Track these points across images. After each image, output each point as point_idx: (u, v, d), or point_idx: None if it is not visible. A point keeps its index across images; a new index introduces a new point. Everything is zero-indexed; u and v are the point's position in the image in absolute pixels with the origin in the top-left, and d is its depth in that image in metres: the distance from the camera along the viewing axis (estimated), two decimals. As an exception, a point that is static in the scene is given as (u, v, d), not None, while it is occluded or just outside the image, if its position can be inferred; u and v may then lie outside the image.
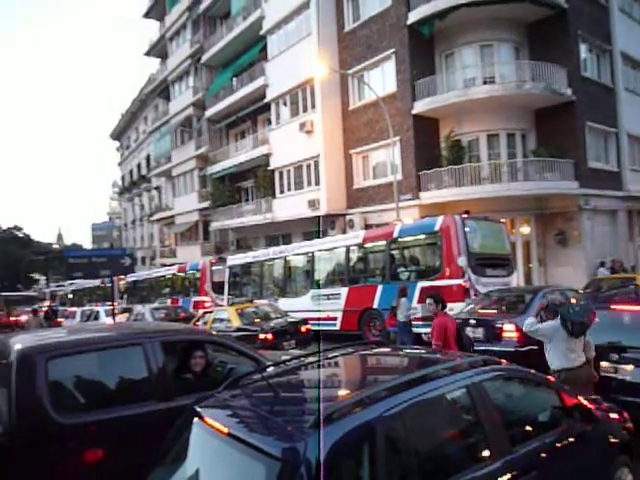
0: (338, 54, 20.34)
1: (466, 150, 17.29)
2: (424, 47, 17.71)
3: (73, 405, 3.57)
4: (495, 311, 8.43)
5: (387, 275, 12.81)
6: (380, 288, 12.76)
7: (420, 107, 17.20)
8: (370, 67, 19.19)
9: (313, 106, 20.51)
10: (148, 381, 3.83)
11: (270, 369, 3.40)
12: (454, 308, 9.32)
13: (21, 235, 79.77)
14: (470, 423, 2.86)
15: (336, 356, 3.46)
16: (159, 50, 35.94)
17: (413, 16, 17.19)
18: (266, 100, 23.06)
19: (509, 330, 7.37)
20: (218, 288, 19.52)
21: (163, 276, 25.82)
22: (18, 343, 3.67)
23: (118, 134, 52.35)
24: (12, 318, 29.16)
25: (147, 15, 36.82)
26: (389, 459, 2.31)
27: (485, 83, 16.78)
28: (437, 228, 11.60)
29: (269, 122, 24.04)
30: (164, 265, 32.54)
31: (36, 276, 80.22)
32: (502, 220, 13.15)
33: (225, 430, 2.33)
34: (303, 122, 20.63)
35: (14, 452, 3.19)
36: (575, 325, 4.82)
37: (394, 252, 13.11)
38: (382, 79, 18.65)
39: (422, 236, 12.47)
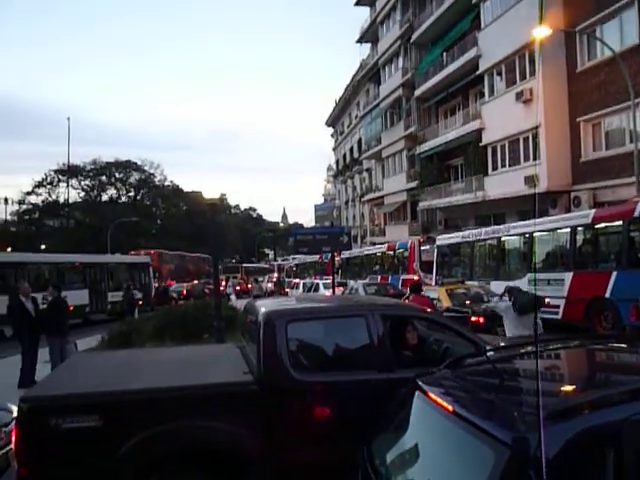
0: (562, 11, 18.01)
1: None
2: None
3: (305, 365, 4.01)
4: None
5: (624, 261, 11.07)
6: (614, 275, 11.11)
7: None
8: (603, 20, 16.53)
9: (532, 73, 18.69)
10: (369, 351, 4.08)
11: (491, 353, 3.29)
12: None
13: (255, 215, 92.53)
14: None
15: (564, 347, 3.16)
16: (370, 35, 37.03)
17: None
18: (478, 72, 21.87)
19: None
20: (426, 267, 19.57)
21: (374, 254, 27.01)
22: (263, 307, 4.30)
23: (333, 121, 56.05)
24: (249, 285, 34.07)
25: (358, 3, 38.16)
26: (635, 472, 2.03)
27: None
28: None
29: (481, 95, 22.78)
30: (374, 243, 33.99)
31: (266, 250, 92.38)
32: None
33: (450, 408, 2.35)
34: (520, 91, 18.98)
35: (263, 398, 3.76)
36: (519, 305, 6.87)
37: (634, 234, 11.23)
38: (619, 32, 15.94)
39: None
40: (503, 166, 20.78)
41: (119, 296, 22.15)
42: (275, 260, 71.47)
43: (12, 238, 47.96)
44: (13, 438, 3.61)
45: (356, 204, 47.04)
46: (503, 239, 15.39)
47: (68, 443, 3.38)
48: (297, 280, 30.51)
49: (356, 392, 3.95)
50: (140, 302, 23.98)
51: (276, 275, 46.75)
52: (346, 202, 51.66)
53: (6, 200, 48.24)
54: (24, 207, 55.47)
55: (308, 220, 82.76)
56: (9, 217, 53.79)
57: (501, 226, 16.40)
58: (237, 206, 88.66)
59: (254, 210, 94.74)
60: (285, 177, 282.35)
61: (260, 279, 41.02)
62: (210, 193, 9.93)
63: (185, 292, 29.13)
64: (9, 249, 31.29)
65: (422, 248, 20.80)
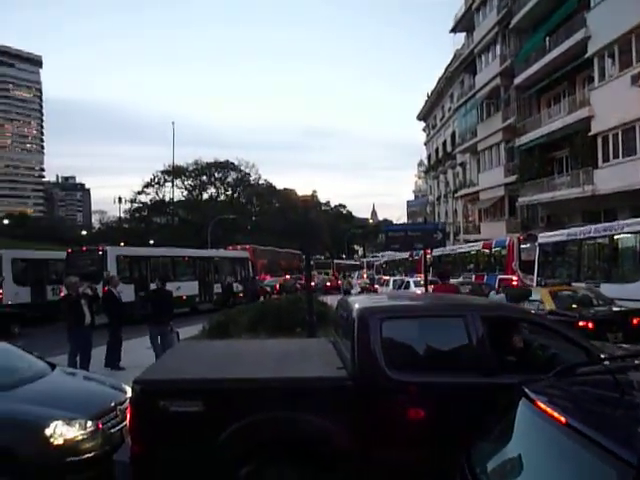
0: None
1: None
2: None
3: (400, 364, 3.93)
4: None
5: None
6: None
7: None
8: None
9: (653, 52, 16.85)
10: (467, 353, 3.91)
11: (606, 362, 3.01)
12: None
13: (345, 212, 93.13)
14: None
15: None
16: (465, 24, 35.60)
17: None
18: (587, 55, 20.13)
19: None
20: (526, 267, 18.43)
21: (467, 252, 26.00)
22: (357, 303, 4.29)
23: (424, 114, 54.70)
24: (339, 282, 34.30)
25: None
26: None
27: None
28: None
29: (590, 80, 20.97)
30: (467, 241, 32.71)
31: (355, 247, 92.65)
32: None
33: (562, 419, 2.17)
34: (637, 73, 17.21)
35: (356, 394, 3.75)
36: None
37: None
38: None
39: None
40: (616, 157, 18.96)
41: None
42: (364, 257, 71.47)
43: (125, 234, 52.59)
44: (127, 417, 3.94)
45: (449, 200, 45.57)
46: (616, 237, 14.04)
47: (174, 426, 3.62)
48: (387, 277, 30.24)
49: (453, 395, 3.82)
50: (241, 295, 25.32)
51: (364, 271, 46.76)
52: (438, 198, 50.24)
53: (120, 199, 52.93)
54: (135, 205, 60.55)
55: (398, 217, 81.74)
56: (123, 215, 59.03)
57: (614, 223, 14.98)
58: (327, 203, 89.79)
59: (344, 207, 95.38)
60: (375, 174, 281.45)
61: (350, 275, 41.27)
62: (302, 190, 10.12)
63: (278, 286, 30.05)
64: (122, 244, 34.22)
65: (522, 246, 19.59)
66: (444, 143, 46.61)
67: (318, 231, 61.88)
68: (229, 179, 64.13)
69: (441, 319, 4.19)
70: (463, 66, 36.54)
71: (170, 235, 50.86)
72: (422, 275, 23.36)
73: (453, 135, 42.06)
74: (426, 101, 52.05)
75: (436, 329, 4.16)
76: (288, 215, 58.44)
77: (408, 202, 59.08)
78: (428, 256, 30.23)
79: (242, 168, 63.67)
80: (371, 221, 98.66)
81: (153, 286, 12.26)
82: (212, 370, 4.05)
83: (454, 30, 37.86)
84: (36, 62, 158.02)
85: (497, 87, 29.72)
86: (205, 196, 63.77)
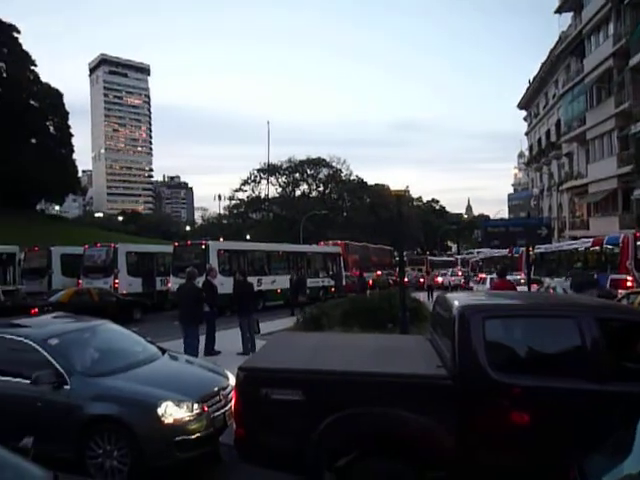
0: None
1: None
2: None
3: (503, 365, 3.74)
4: None
5: None
6: None
7: None
8: None
9: None
10: (579, 358, 3.64)
11: None
12: None
13: (437, 207, 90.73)
14: None
15: None
16: (572, 3, 32.93)
17: None
18: None
19: None
20: (644, 266, 16.71)
21: (574, 249, 24.12)
22: (457, 300, 4.14)
23: (526, 103, 51.51)
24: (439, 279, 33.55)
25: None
26: None
27: None
28: None
29: None
30: (574, 238, 30.39)
31: (449, 243, 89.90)
32: None
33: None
34: None
35: (456, 394, 3.64)
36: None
37: None
38: None
39: None
40: None
41: (316, 282, 24.77)
42: (459, 253, 69.11)
43: (224, 229, 55.51)
44: (232, 402, 4.15)
45: (552, 194, 42.57)
46: None
47: (275, 413, 3.75)
48: (483, 275, 28.96)
49: (561, 401, 3.58)
50: (332, 289, 25.78)
51: (458, 268, 45.18)
52: (541, 191, 47.11)
53: (219, 197, 55.87)
54: (233, 202, 63.63)
55: (495, 212, 78.00)
56: (222, 211, 62.33)
57: None
58: (419, 198, 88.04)
59: (437, 202, 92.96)
60: (470, 167, 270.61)
61: (444, 272, 40.15)
62: (394, 185, 10.01)
63: (371, 282, 30.01)
64: (221, 239, 36.12)
65: (638, 244, 17.76)
66: (548, 132, 43.58)
67: (410, 227, 60.94)
68: (321, 175, 65.10)
69: (550, 320, 3.92)
70: (569, 49, 33.84)
71: (265, 230, 52.82)
72: (522, 274, 22.10)
73: (558, 123, 39.21)
74: (528, 88, 48.95)
75: (544, 330, 3.90)
76: (379, 211, 58.11)
77: (509, 196, 56.10)
78: (530, 253, 28.62)
79: (334, 164, 64.38)
80: (466, 216, 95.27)
81: (253, 279, 13.04)
82: (312, 361, 4.13)
83: (559, 10, 35.19)
84: (145, 71, 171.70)
85: (609, 69, 27.18)
86: (298, 193, 65.31)
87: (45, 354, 5.03)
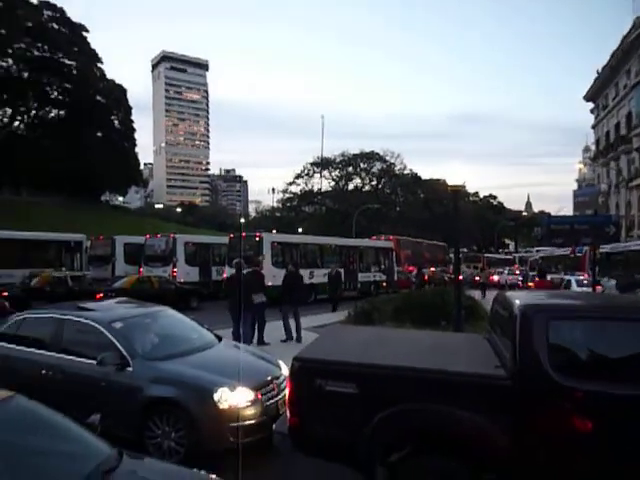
0: None
1: None
2: None
3: (567, 368, 3.57)
4: None
5: None
6: None
7: None
8: None
9: None
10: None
11: None
12: None
13: (495, 203, 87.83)
14: None
15: None
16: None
17: None
18: None
19: None
20: None
21: (644, 249, 22.65)
22: (518, 299, 3.98)
23: (593, 94, 48.80)
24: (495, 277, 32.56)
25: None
26: None
27: None
28: None
29: None
30: (644, 237, 28.54)
31: (506, 241, 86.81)
32: None
33: None
34: None
35: (514, 396, 3.51)
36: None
37: None
38: None
39: None
40: None
41: (367, 276, 24.90)
42: (516, 251, 66.66)
43: (277, 222, 56.34)
44: (287, 390, 4.20)
45: (620, 190, 40.17)
46: None
47: (329, 404, 3.76)
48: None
49: (627, 408, 3.38)
50: (384, 284, 25.64)
51: (516, 267, 43.60)
52: (608, 187, 44.59)
53: (273, 190, 56.83)
54: (286, 196, 64.40)
55: (556, 209, 74.57)
56: (275, 204, 63.28)
57: None
58: (476, 193, 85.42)
59: (494, 198, 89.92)
60: (530, 161, 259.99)
61: (500, 270, 38.89)
62: (451, 180, 9.72)
63: (426, 278, 29.56)
64: (274, 231, 36.64)
65: None
66: (617, 125, 41.11)
67: (465, 223, 59.43)
68: (374, 169, 64.60)
69: (622, 323, 3.68)
70: (646, 35, 31.70)
71: (317, 224, 53.10)
72: (585, 274, 21.04)
73: (629, 116, 36.91)
74: (596, 79, 46.33)
75: (611, 333, 3.68)
76: (433, 206, 57.00)
77: (575, 192, 53.48)
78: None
79: (387, 158, 63.68)
80: (525, 213, 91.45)
81: (305, 271, 13.47)
82: (367, 355, 4.11)
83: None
84: (203, 66, 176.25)
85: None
86: (350, 186, 65.16)
87: (110, 337, 5.29)
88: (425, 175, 65.83)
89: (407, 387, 3.68)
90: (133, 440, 4.64)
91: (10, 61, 53.02)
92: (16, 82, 52.61)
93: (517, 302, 3.88)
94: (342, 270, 19.83)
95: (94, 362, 5.07)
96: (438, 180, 59.05)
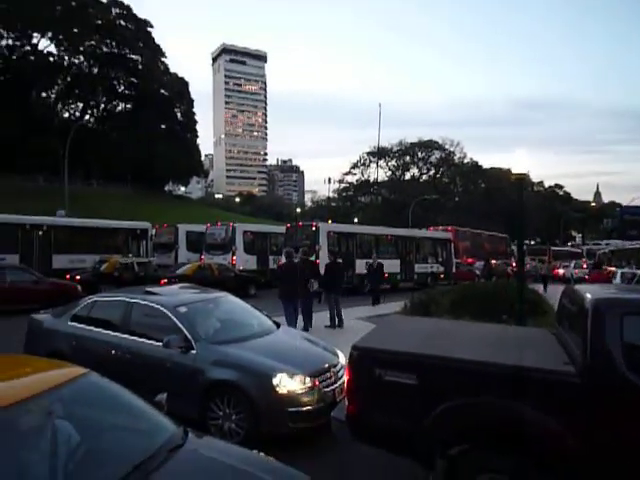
0: None
1: None
2: None
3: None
4: None
5: None
6: None
7: None
8: None
9: None
10: None
11: None
12: None
13: (561, 193, 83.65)
14: None
15: None
16: None
17: None
18: None
19: None
20: None
21: None
22: (589, 293, 3.77)
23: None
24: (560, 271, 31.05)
25: None
26: None
27: None
28: None
29: None
30: None
31: (572, 233, 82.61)
32: None
33: None
34: None
35: (584, 394, 3.35)
36: None
37: None
38: None
39: None
40: None
41: (424, 268, 24.68)
42: (584, 244, 63.29)
43: (333, 211, 56.49)
44: (345, 378, 4.21)
45: None
46: None
47: (388, 394, 3.73)
48: (613, 268, 26.24)
49: None
50: (441, 276, 25.19)
51: (584, 260, 41.44)
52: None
53: (329, 180, 56.99)
54: (342, 185, 64.40)
55: (628, 199, 70.02)
56: (331, 194, 63.42)
57: None
58: (541, 183, 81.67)
59: (560, 187, 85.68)
60: (599, 149, 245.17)
61: (565, 264, 37.13)
62: (515, 169, 9.31)
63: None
64: (330, 221, 36.73)
65: None
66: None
67: (528, 214, 57.09)
68: (432, 159, 63.28)
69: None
70: None
71: (373, 214, 52.75)
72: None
73: None
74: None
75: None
76: (494, 196, 55.06)
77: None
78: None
79: (446, 147, 62.14)
80: (594, 204, 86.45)
81: (361, 261, 13.65)
82: (428, 346, 4.04)
83: None
84: (262, 58, 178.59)
85: None
86: (407, 176, 64.20)
87: (175, 320, 5.51)
88: (486, 164, 63.77)
89: (471, 380, 3.59)
90: (196, 420, 4.82)
91: (81, 58, 56.04)
92: (87, 78, 55.60)
93: (588, 296, 3.67)
94: (383, 262, 18.23)
95: (160, 344, 5.30)
96: (500, 169, 56.91)
